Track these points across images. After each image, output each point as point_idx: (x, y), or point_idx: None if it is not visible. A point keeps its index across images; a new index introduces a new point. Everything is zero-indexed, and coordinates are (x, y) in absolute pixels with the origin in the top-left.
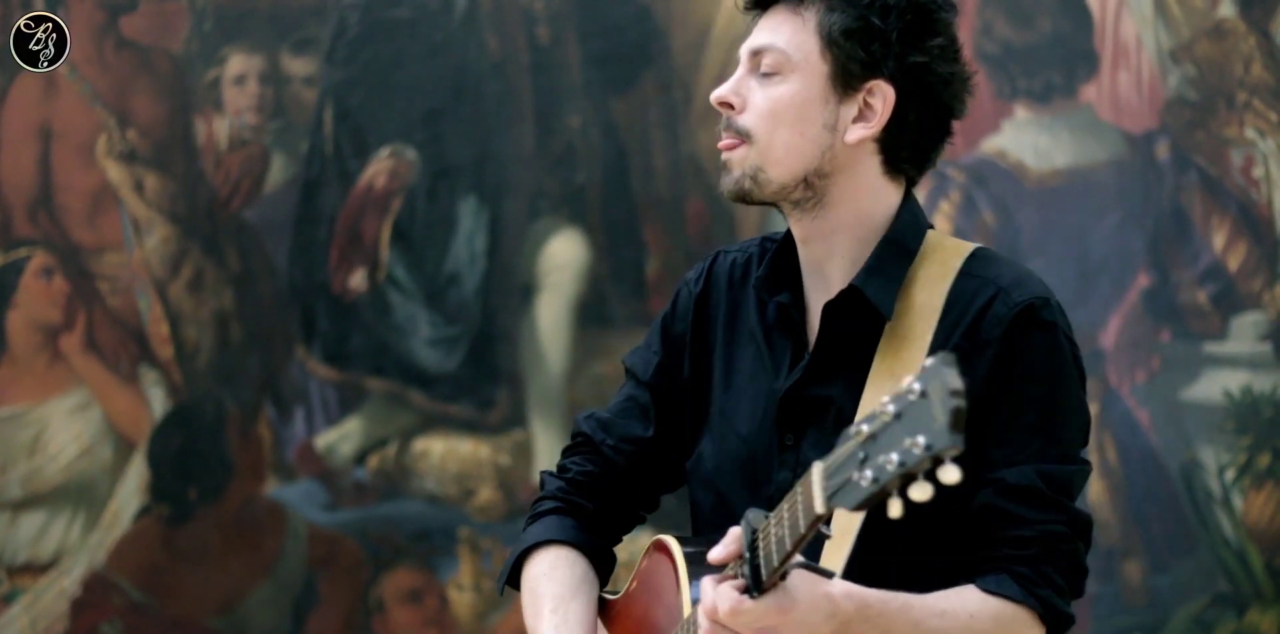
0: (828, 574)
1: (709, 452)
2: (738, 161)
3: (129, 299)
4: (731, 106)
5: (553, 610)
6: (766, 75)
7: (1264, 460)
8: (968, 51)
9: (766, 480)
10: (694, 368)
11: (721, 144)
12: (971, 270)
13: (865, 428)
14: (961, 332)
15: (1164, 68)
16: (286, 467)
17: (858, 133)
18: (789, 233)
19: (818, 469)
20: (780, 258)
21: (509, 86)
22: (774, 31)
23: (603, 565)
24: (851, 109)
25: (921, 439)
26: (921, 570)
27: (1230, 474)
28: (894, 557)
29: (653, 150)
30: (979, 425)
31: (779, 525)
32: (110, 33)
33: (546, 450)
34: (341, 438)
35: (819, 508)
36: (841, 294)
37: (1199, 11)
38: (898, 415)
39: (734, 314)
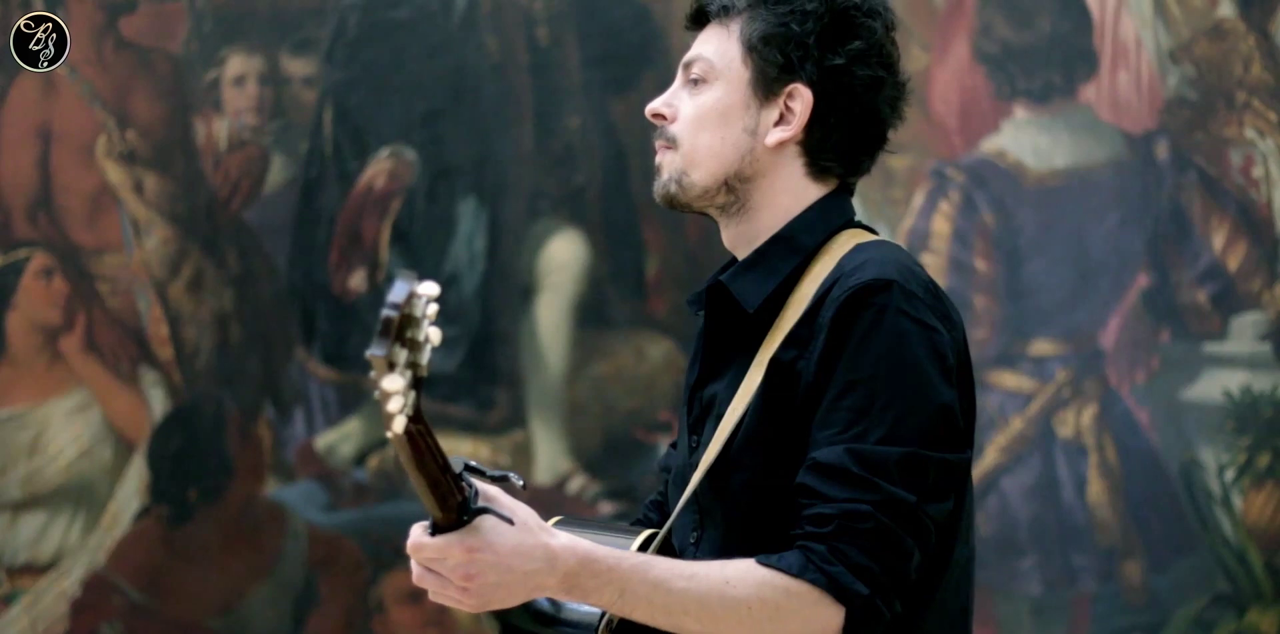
0: (505, 518)
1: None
2: (666, 166)
3: (129, 300)
4: (664, 117)
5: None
6: (695, 85)
7: (1264, 460)
8: (967, 52)
9: (687, 485)
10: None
11: (657, 149)
12: (843, 260)
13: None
14: (801, 317)
15: (1163, 68)
16: (286, 467)
17: (777, 136)
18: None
19: None
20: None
21: (508, 87)
22: (704, 44)
23: None
24: (773, 113)
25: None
26: (761, 551)
27: (1230, 474)
28: (734, 536)
29: (652, 151)
30: (811, 409)
31: None
32: (110, 33)
33: (546, 451)
34: (341, 439)
35: (386, 430)
36: (709, 290)
37: (1198, 11)
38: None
39: None
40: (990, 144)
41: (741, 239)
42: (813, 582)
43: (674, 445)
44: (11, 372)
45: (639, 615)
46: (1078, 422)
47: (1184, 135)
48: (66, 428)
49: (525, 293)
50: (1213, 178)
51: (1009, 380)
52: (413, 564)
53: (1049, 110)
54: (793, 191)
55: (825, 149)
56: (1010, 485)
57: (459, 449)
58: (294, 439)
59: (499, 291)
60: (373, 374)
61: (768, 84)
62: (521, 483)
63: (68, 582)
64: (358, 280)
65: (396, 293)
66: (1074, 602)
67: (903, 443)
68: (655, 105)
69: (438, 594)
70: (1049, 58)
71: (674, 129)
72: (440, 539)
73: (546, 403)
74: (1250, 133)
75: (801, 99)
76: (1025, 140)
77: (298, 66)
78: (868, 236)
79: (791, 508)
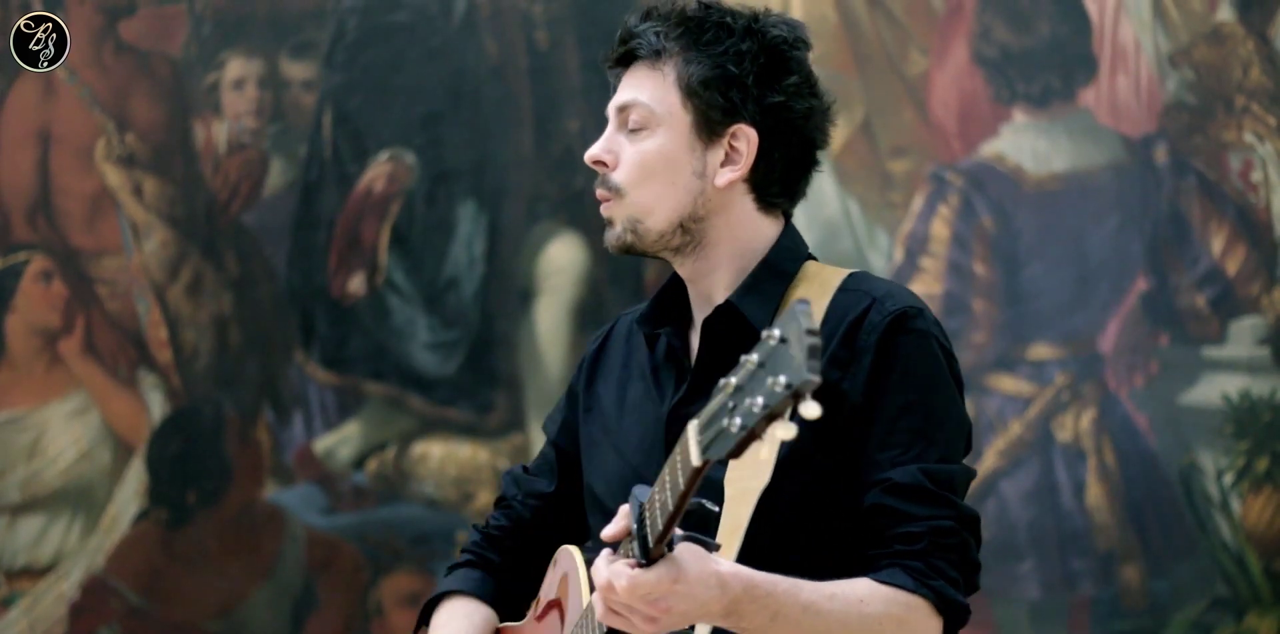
0: (713, 546)
1: (599, 485)
2: (616, 217)
3: (128, 303)
4: (605, 164)
5: None
6: (634, 131)
7: (1262, 464)
8: (966, 55)
9: None
10: (586, 420)
11: (599, 198)
12: (848, 286)
13: (733, 379)
14: (839, 339)
15: (1162, 72)
16: (285, 470)
17: (727, 176)
18: (675, 274)
19: (692, 426)
20: (666, 295)
21: (508, 90)
22: (637, 88)
23: (509, 612)
24: (718, 154)
25: (783, 378)
26: (813, 574)
27: (1229, 478)
28: (785, 559)
29: None
30: (863, 430)
31: (661, 492)
32: (109, 37)
33: None
34: (340, 442)
35: (695, 461)
36: (718, 310)
37: (1197, 15)
38: (761, 363)
39: (627, 362)
40: (989, 148)
41: (701, 272)
42: (924, 597)
43: (526, 469)
44: (10, 374)
45: None
46: (1076, 426)
47: (1183, 139)
48: (65, 431)
49: (524, 296)
50: (1212, 182)
51: (1008, 384)
52: (598, 599)
53: (1048, 114)
54: (746, 225)
55: (771, 182)
56: (1009, 489)
57: (458, 453)
58: (293, 442)
59: (498, 295)
60: (791, 397)
61: (711, 127)
62: (717, 510)
63: (66, 584)
64: (357, 283)
65: (809, 320)
66: (1072, 605)
67: (956, 460)
68: (595, 153)
69: (612, 619)
70: (1048, 62)
71: (617, 177)
72: (652, 575)
73: (545, 406)
74: (1249, 137)
75: (747, 138)
76: (1024, 144)
77: (297, 70)
78: (836, 268)
79: (829, 525)
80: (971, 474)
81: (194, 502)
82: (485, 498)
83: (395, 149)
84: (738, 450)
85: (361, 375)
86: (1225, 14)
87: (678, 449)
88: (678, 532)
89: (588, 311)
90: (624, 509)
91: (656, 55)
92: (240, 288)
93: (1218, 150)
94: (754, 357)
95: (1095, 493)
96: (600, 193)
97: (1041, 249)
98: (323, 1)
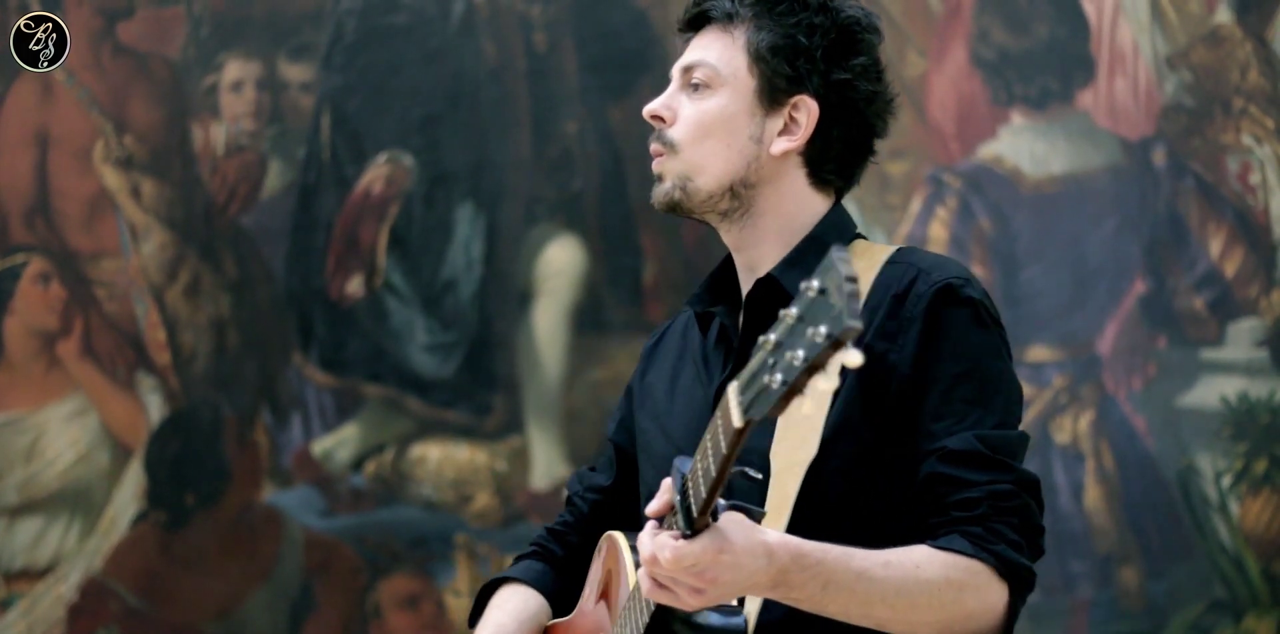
0: (758, 514)
1: (648, 472)
2: (668, 172)
3: (126, 305)
4: (663, 120)
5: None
6: (696, 90)
7: (1260, 466)
8: (964, 57)
9: None
10: (640, 410)
11: (653, 154)
12: (895, 259)
13: (772, 336)
14: (885, 312)
15: (1160, 74)
16: (283, 473)
17: (783, 145)
18: (727, 256)
19: (732, 388)
20: (718, 276)
21: (506, 93)
22: (705, 49)
23: (567, 607)
24: (777, 122)
25: (823, 329)
26: (863, 546)
27: (1227, 480)
28: (834, 532)
29: (649, 156)
30: (915, 402)
31: (704, 459)
32: (107, 39)
33: (543, 456)
34: (338, 444)
35: (737, 422)
36: (759, 283)
37: (1195, 18)
38: (800, 317)
39: (682, 352)
40: (987, 150)
41: (747, 241)
42: (984, 562)
43: (592, 468)
44: (9, 376)
45: (833, 608)
46: (1075, 428)
47: (1181, 141)
48: (64, 433)
49: (522, 298)
50: (1210, 184)
51: None
52: (643, 575)
53: (1046, 116)
54: (797, 198)
55: (826, 159)
56: None
57: (456, 456)
58: (291, 444)
59: (496, 297)
60: (831, 346)
61: (774, 94)
62: (759, 477)
63: (65, 586)
64: (355, 286)
65: (848, 268)
66: (1071, 608)
67: (1013, 426)
68: (654, 107)
69: (658, 594)
70: (1046, 64)
71: (672, 133)
72: (697, 545)
73: (544, 408)
74: (1247, 139)
75: (807, 110)
76: (1022, 146)
77: (295, 72)
78: (885, 245)
79: (877, 498)
80: (1027, 439)
81: (192, 504)
82: (483, 500)
83: (393, 151)
84: (780, 407)
85: (359, 377)
86: (1223, 16)
87: (718, 413)
88: (721, 501)
89: (585, 313)
90: (666, 483)
91: (729, 18)
92: (238, 290)
93: (1216, 152)
94: (793, 311)
95: (1093, 495)
96: (654, 148)
97: (1039, 251)
98: (321, 3)
